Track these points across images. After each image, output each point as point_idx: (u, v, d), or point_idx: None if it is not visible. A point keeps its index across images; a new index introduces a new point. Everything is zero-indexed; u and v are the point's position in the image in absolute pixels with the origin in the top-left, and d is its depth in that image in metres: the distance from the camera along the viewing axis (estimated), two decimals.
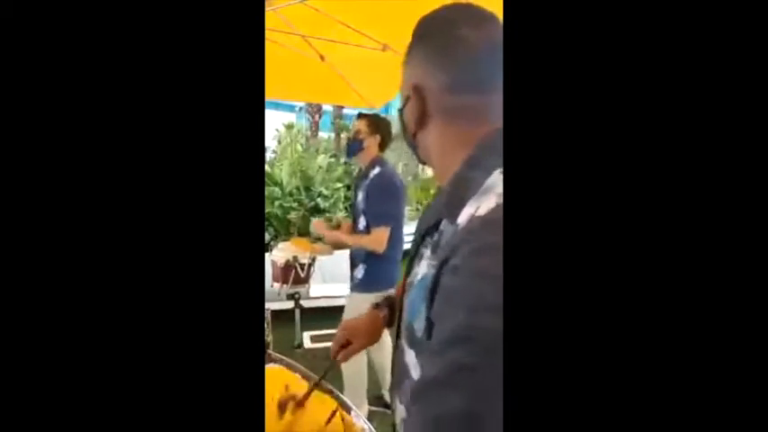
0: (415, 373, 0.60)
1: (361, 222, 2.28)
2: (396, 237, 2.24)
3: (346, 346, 1.03)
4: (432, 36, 0.66)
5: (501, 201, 0.52)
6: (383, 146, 2.31)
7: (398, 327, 0.71)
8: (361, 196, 2.28)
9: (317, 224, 2.59)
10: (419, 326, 0.58)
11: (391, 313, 1.03)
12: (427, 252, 0.63)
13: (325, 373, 1.04)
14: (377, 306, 1.05)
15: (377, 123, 2.29)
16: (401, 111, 0.70)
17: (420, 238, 0.68)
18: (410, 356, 0.61)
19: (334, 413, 0.98)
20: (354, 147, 2.31)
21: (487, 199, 0.54)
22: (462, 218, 0.56)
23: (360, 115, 2.37)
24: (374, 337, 1.04)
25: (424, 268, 0.62)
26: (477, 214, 0.54)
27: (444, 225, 0.61)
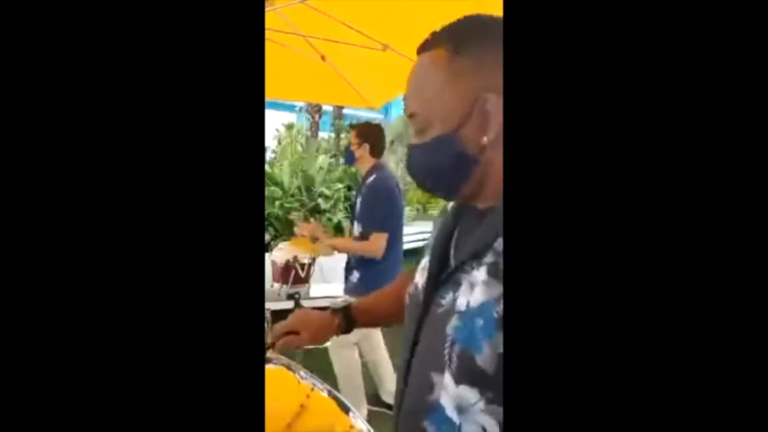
0: (482, 412, 0.55)
1: (357, 229, 2.32)
2: (392, 242, 2.26)
3: (290, 334, 0.98)
4: (486, 36, 0.61)
5: None
6: (376, 152, 2.36)
7: (411, 352, 0.67)
8: (359, 204, 2.34)
9: (309, 227, 2.60)
10: (488, 362, 0.54)
11: (347, 323, 0.99)
12: (479, 277, 0.58)
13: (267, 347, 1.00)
14: (333, 312, 1.00)
15: (363, 133, 2.35)
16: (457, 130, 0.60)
17: (449, 265, 0.64)
18: (466, 392, 0.56)
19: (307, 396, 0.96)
20: (349, 157, 2.42)
21: None
22: None
23: (351, 126, 2.44)
24: (319, 340, 0.99)
25: (479, 295, 0.57)
26: None
27: (501, 245, 0.57)
